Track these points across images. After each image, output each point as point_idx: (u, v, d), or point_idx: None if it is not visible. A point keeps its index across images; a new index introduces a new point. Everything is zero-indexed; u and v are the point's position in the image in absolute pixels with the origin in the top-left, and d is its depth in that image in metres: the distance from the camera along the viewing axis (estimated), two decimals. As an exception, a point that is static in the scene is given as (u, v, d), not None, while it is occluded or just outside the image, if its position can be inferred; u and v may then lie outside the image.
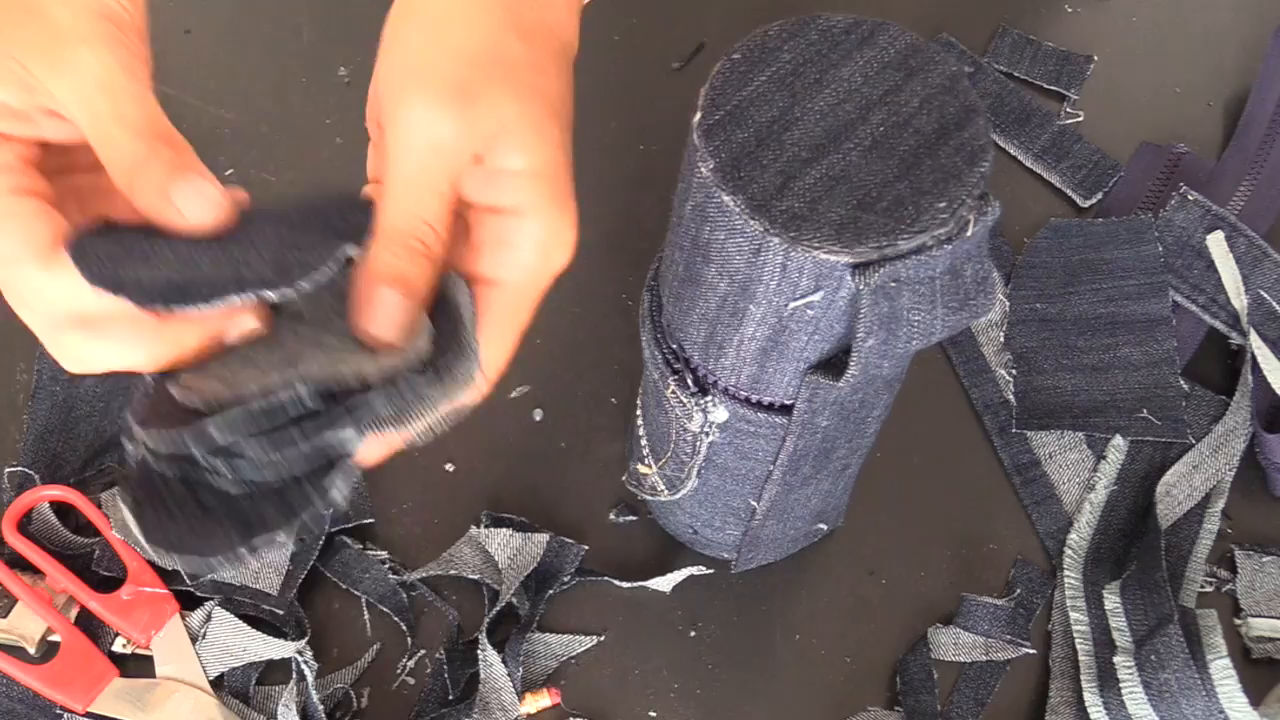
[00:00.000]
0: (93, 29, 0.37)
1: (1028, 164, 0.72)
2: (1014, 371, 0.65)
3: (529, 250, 0.39)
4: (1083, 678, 0.56)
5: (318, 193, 0.41)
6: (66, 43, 0.37)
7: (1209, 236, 0.66)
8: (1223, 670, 0.52)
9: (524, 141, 0.38)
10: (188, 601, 0.56)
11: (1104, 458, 0.62)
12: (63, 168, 0.40)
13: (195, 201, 0.37)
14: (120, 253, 0.37)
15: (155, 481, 0.38)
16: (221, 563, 0.37)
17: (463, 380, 0.38)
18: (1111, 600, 0.57)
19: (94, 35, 0.37)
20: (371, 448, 0.39)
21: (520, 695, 0.55)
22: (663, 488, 0.54)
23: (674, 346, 0.47)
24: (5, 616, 0.55)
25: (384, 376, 0.37)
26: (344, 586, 0.58)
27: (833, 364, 0.42)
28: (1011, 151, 0.72)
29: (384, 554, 0.59)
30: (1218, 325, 0.65)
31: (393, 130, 0.38)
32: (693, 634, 0.58)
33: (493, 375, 0.41)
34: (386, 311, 0.37)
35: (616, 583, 0.59)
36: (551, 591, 0.58)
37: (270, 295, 0.36)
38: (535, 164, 0.39)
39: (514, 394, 0.64)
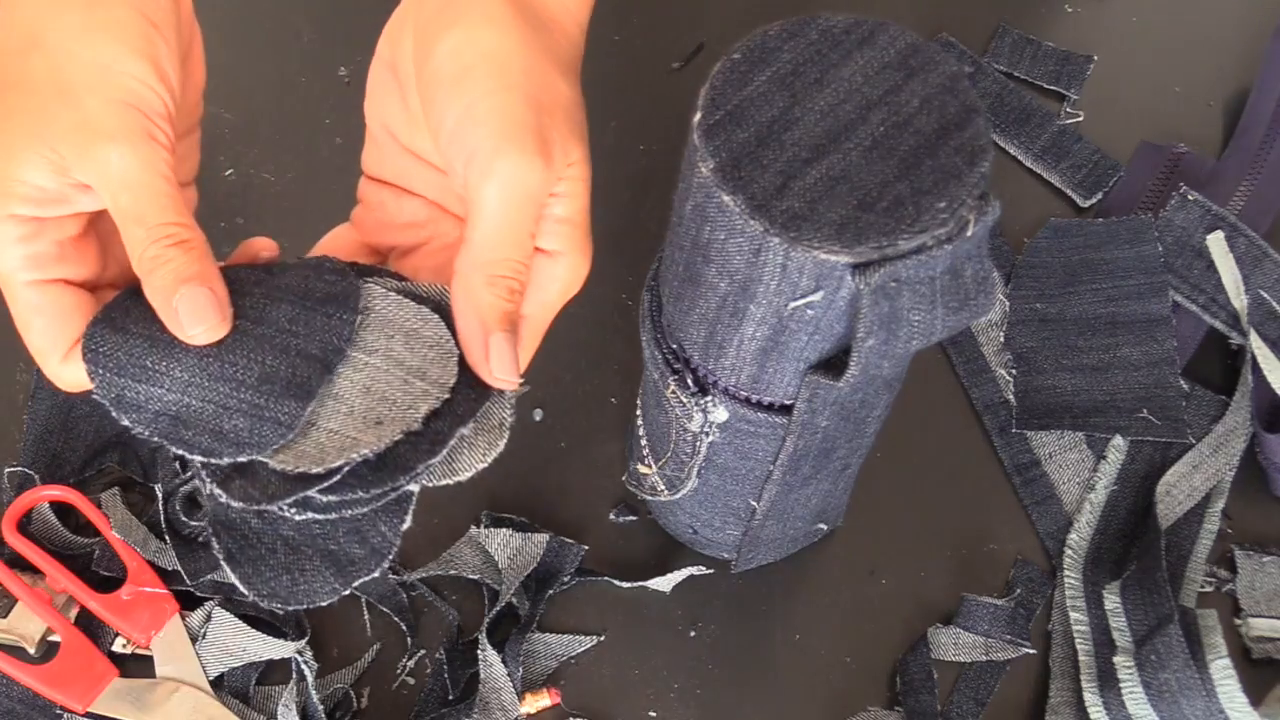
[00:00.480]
0: (121, 124, 0.39)
1: (1028, 164, 0.72)
2: (1014, 371, 0.65)
3: (554, 288, 0.43)
4: (1083, 678, 0.56)
5: (316, 269, 0.44)
6: (96, 138, 0.39)
7: (1209, 236, 0.66)
8: (1223, 670, 0.52)
9: (573, 188, 0.42)
10: (188, 601, 0.56)
11: (1104, 458, 0.62)
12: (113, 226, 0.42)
13: (190, 313, 0.40)
14: (126, 363, 0.41)
15: (239, 528, 0.41)
16: (323, 599, 0.42)
17: (503, 425, 0.42)
18: (1111, 600, 0.57)
19: (121, 131, 0.39)
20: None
21: (520, 695, 0.55)
22: (663, 488, 0.54)
23: (674, 346, 0.47)
24: (5, 616, 0.55)
25: (428, 423, 0.41)
26: (344, 586, 0.58)
27: (833, 364, 0.42)
28: (1011, 151, 0.72)
29: (384, 554, 0.59)
30: (1218, 325, 0.65)
31: (485, 178, 0.40)
32: (693, 634, 0.58)
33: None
34: (504, 352, 0.41)
35: (616, 583, 0.59)
36: (551, 591, 0.58)
37: (242, 458, 0.40)
38: (574, 211, 0.42)
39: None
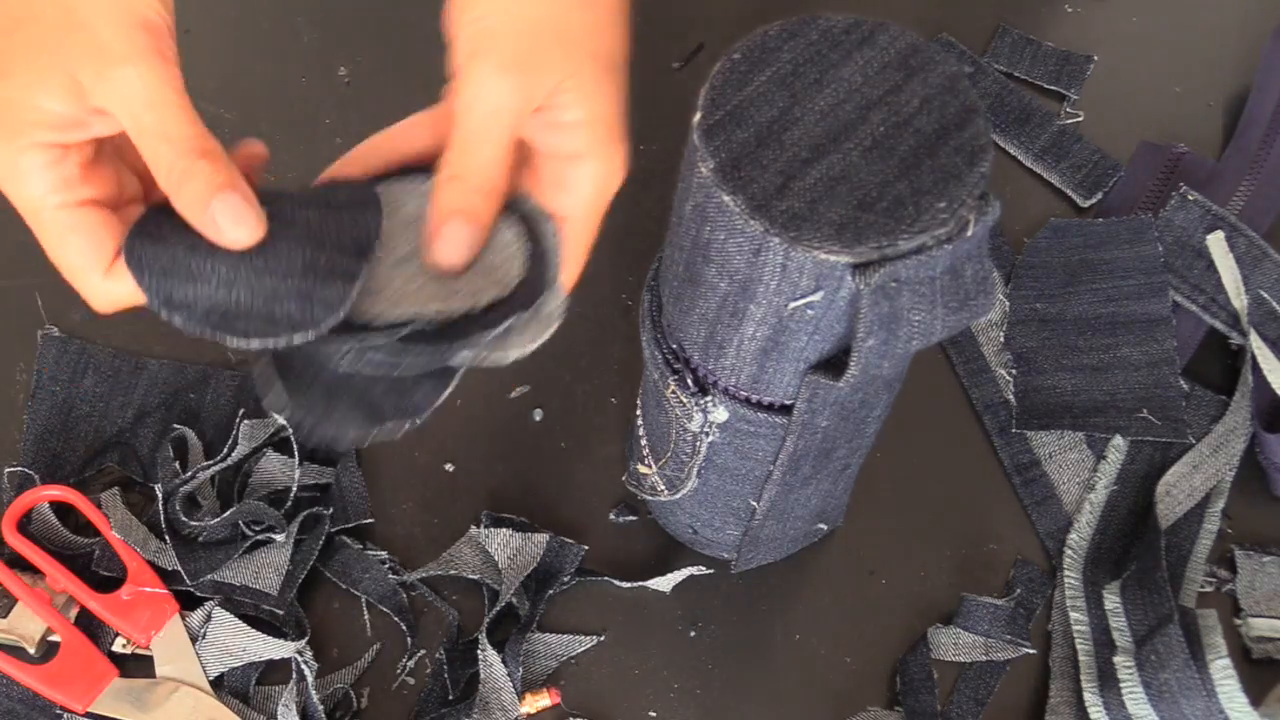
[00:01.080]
0: (134, 45, 0.40)
1: (1028, 164, 0.72)
2: (1014, 371, 0.65)
3: (587, 187, 0.45)
4: (1083, 678, 0.56)
5: (330, 187, 0.45)
6: (112, 62, 0.40)
7: (1209, 236, 0.66)
8: (1223, 670, 0.52)
9: (579, 97, 0.44)
10: (188, 601, 0.56)
11: (1104, 458, 0.62)
12: (118, 148, 0.44)
13: (230, 218, 0.41)
14: (170, 266, 0.42)
15: (282, 358, 0.44)
16: (345, 441, 0.44)
17: (552, 315, 0.45)
18: (1111, 600, 0.57)
19: (136, 52, 0.40)
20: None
21: (520, 695, 0.55)
22: (663, 488, 0.54)
23: (674, 346, 0.47)
24: (5, 616, 0.55)
25: (487, 311, 0.44)
26: (344, 586, 0.58)
27: (833, 364, 0.42)
28: (1011, 151, 0.72)
29: (384, 554, 0.59)
30: (1218, 325, 0.65)
31: (462, 90, 0.43)
32: (693, 634, 0.58)
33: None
34: (454, 240, 0.43)
35: (616, 583, 0.59)
36: (551, 591, 0.58)
37: (297, 339, 0.41)
38: (589, 115, 0.44)
39: (514, 394, 0.64)
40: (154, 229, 0.43)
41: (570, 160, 0.45)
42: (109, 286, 0.43)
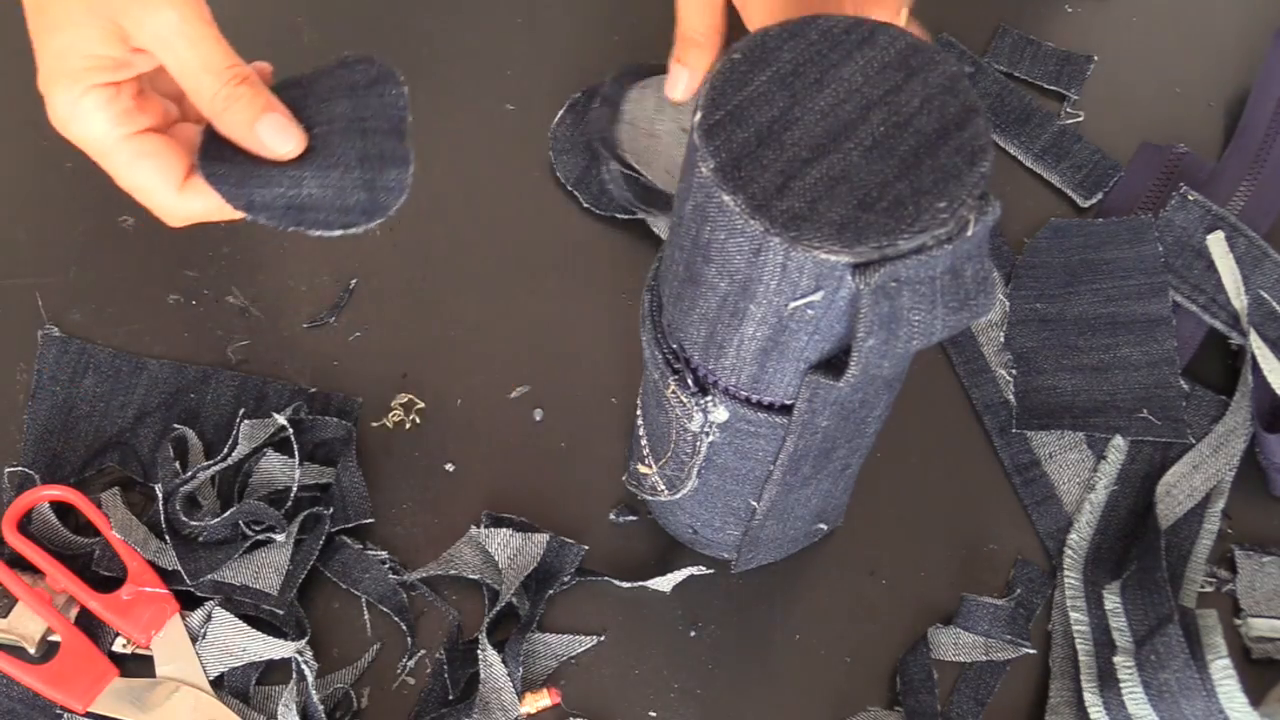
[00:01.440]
0: None
1: (1028, 164, 0.72)
2: (1014, 371, 0.65)
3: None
4: (1083, 678, 0.56)
5: (343, 68, 0.50)
6: (149, 6, 0.45)
7: (1209, 236, 0.66)
8: (1223, 670, 0.52)
9: None
10: (188, 601, 0.56)
11: (1104, 458, 0.62)
12: (151, 79, 0.50)
13: (276, 136, 0.47)
14: (241, 175, 0.47)
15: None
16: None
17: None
18: (1111, 600, 0.57)
19: None
20: None
21: (520, 695, 0.55)
22: (663, 488, 0.54)
23: (674, 346, 0.47)
24: (5, 616, 0.55)
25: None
26: (344, 586, 0.58)
27: (833, 364, 0.42)
28: (1011, 151, 0.72)
29: (384, 554, 0.59)
30: (1218, 325, 0.65)
31: None
32: (693, 634, 0.58)
33: (707, 32, 0.54)
34: (677, 79, 0.54)
35: (616, 583, 0.59)
36: (551, 591, 0.58)
37: (375, 223, 0.48)
38: None
39: (514, 394, 0.64)
40: (215, 149, 0.48)
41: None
42: (183, 202, 0.48)
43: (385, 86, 0.50)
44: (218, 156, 0.48)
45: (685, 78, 0.54)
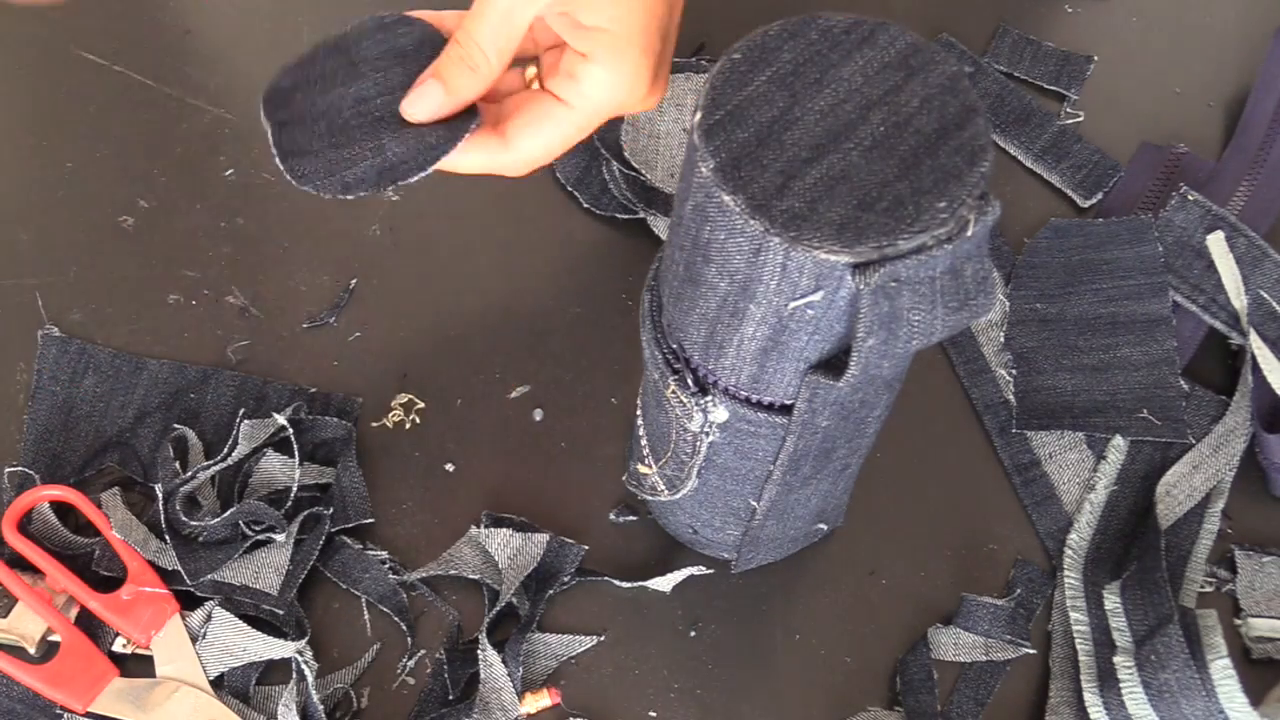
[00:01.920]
0: None
1: (1028, 164, 0.72)
2: (1014, 371, 0.65)
3: (591, 88, 0.50)
4: (1083, 678, 0.56)
5: (386, 30, 0.52)
6: None
7: (1209, 236, 0.66)
8: (1223, 670, 0.52)
9: (602, 7, 0.48)
10: (188, 601, 0.56)
11: (1104, 458, 0.62)
12: None
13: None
14: (326, 165, 0.49)
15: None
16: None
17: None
18: (1111, 600, 0.57)
19: None
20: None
21: (520, 695, 0.55)
22: (663, 488, 0.54)
23: (674, 346, 0.47)
24: (5, 616, 0.55)
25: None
26: (344, 586, 0.58)
27: (833, 364, 0.42)
28: (1011, 151, 0.72)
29: (384, 554, 0.59)
30: (1218, 325, 0.65)
31: None
32: (693, 634, 0.58)
33: (528, 168, 0.52)
34: (423, 97, 0.49)
35: (616, 583, 0.59)
36: (551, 591, 0.58)
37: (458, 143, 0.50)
38: (603, 20, 0.48)
39: (514, 394, 0.64)
40: (290, 141, 0.50)
41: (581, 58, 0.49)
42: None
43: (431, 47, 0.51)
44: (292, 150, 0.49)
45: (435, 98, 0.49)
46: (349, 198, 0.49)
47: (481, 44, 0.48)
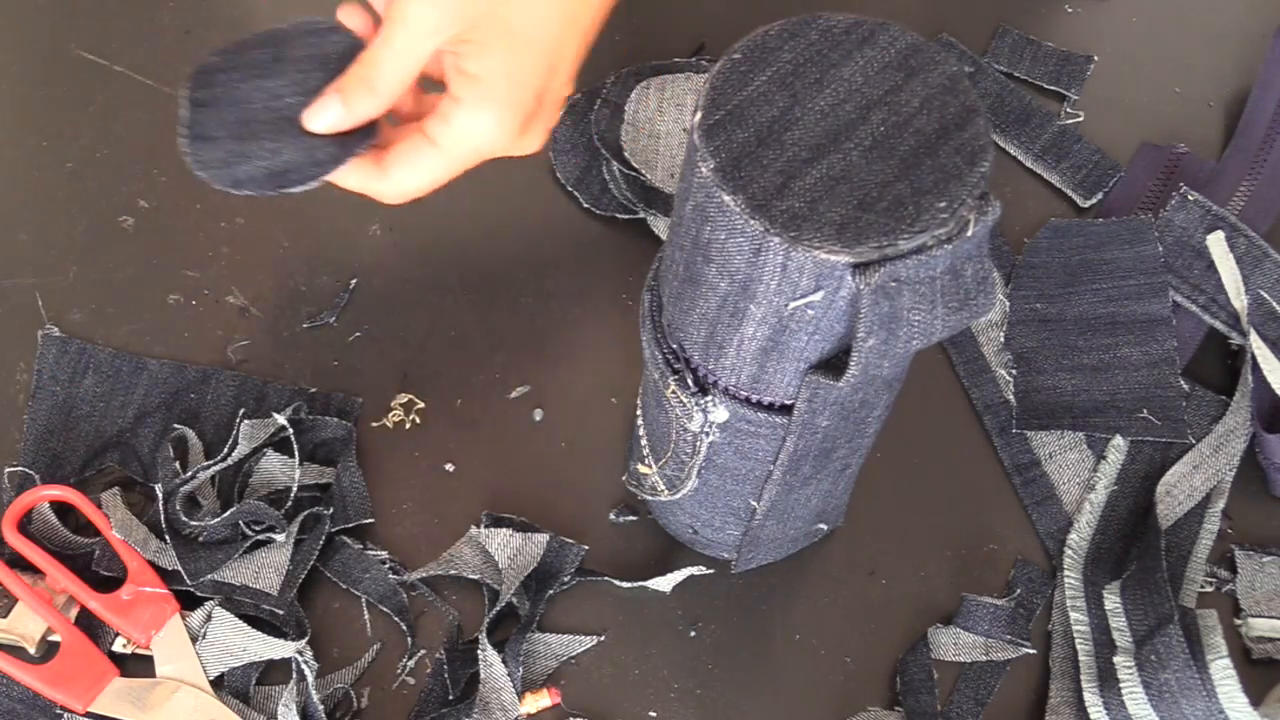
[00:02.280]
0: None
1: (1028, 164, 0.72)
2: (1014, 371, 0.65)
3: (457, 131, 0.53)
4: (1083, 678, 0.56)
5: (314, 35, 0.54)
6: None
7: (1209, 236, 0.66)
8: (1223, 670, 0.52)
9: (482, 51, 0.51)
10: (188, 601, 0.56)
11: (1104, 458, 0.62)
12: None
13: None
14: (224, 157, 0.52)
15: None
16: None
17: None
18: (1111, 600, 0.57)
19: None
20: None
21: (520, 695, 0.55)
22: (663, 488, 0.54)
23: (674, 346, 0.47)
24: (5, 616, 0.55)
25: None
26: (344, 586, 0.58)
27: (833, 364, 0.42)
28: (1011, 151, 0.72)
29: (384, 554, 0.59)
30: (1218, 325, 0.65)
31: (399, 11, 0.50)
32: (693, 634, 0.58)
33: (402, 198, 0.56)
34: (324, 110, 0.52)
35: (616, 583, 0.59)
36: (551, 591, 0.58)
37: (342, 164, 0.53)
38: (480, 70, 0.51)
39: (514, 394, 0.64)
40: (201, 128, 0.52)
41: (455, 101, 0.52)
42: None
43: (355, 59, 0.52)
44: (199, 135, 0.51)
45: (335, 113, 0.52)
46: (237, 194, 0.51)
47: (383, 67, 0.51)
